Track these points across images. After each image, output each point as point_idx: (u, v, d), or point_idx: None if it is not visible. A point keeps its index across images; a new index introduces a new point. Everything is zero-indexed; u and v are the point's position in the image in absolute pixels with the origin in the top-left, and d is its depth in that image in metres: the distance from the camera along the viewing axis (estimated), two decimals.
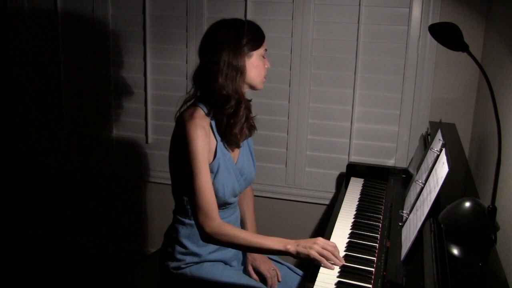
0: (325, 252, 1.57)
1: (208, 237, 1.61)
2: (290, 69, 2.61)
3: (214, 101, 1.69)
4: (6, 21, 3.01)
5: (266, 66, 1.76)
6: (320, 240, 1.60)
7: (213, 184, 1.67)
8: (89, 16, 2.86)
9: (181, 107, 1.76)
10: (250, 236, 1.62)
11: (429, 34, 1.78)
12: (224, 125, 1.71)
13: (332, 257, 1.57)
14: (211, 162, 1.68)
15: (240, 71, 1.67)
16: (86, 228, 3.19)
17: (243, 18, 1.77)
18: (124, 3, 2.80)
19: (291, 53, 2.59)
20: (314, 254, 1.55)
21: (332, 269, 1.57)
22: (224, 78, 1.66)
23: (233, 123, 1.70)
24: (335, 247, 1.60)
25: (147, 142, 2.91)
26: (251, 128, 1.83)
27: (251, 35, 1.69)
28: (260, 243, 1.59)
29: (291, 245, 1.57)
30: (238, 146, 1.78)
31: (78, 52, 2.93)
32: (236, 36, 1.67)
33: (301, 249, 1.56)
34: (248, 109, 1.75)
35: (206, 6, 2.67)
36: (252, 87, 1.76)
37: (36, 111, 3.09)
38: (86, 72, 2.94)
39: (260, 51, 1.72)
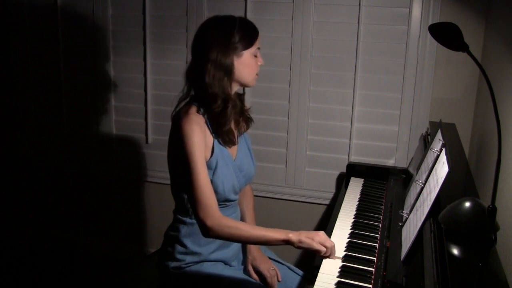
0: (326, 244, 1.58)
1: (210, 231, 1.60)
2: (290, 69, 2.61)
3: (203, 99, 1.69)
4: (6, 21, 3.01)
5: (259, 63, 1.74)
6: (322, 233, 1.61)
7: (213, 180, 1.67)
8: (89, 16, 2.86)
9: (176, 106, 1.75)
10: (251, 228, 1.63)
11: (429, 34, 1.78)
12: (215, 123, 1.70)
13: (333, 250, 1.60)
14: (209, 159, 1.68)
15: (228, 71, 1.66)
16: (86, 228, 3.19)
17: (237, 15, 1.74)
18: (124, 3, 2.80)
19: (291, 53, 2.59)
20: (318, 245, 1.57)
21: (334, 259, 1.60)
22: (211, 77, 1.65)
23: (222, 121, 1.69)
24: (334, 246, 1.62)
25: (147, 142, 2.91)
26: (248, 120, 1.84)
27: (241, 34, 1.66)
28: (262, 234, 1.59)
29: (293, 235, 1.58)
30: (234, 143, 1.76)
31: (78, 52, 2.93)
32: (225, 36, 1.65)
33: (304, 239, 1.57)
34: (235, 106, 1.72)
35: (206, 6, 2.67)
36: (244, 85, 1.76)
37: (36, 111, 3.09)
38: (86, 72, 2.94)
39: (252, 50, 1.69)
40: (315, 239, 1.58)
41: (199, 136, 1.63)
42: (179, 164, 1.66)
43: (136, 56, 2.83)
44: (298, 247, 1.58)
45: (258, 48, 1.72)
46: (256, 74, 1.74)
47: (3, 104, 3.16)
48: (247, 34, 1.68)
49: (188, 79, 1.73)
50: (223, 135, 1.71)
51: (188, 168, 1.61)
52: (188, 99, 1.74)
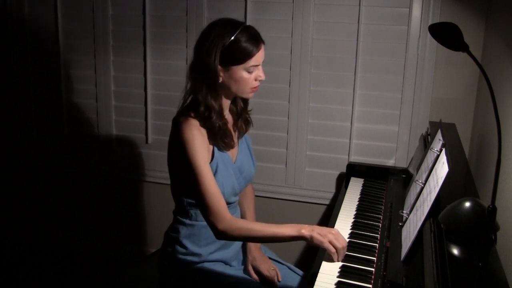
0: (337, 244, 1.56)
1: (223, 234, 1.60)
2: (290, 69, 2.61)
3: (192, 101, 1.68)
4: (6, 21, 3.01)
5: (258, 78, 1.65)
6: (336, 231, 1.58)
7: None
8: (89, 16, 2.86)
9: (183, 104, 1.72)
10: (263, 226, 1.61)
11: (429, 34, 1.78)
12: (205, 128, 1.66)
13: (341, 252, 1.58)
14: (210, 163, 1.67)
15: (209, 84, 1.61)
16: (86, 228, 3.19)
17: (241, 25, 1.64)
18: (124, 3, 2.80)
19: (291, 53, 2.59)
20: (327, 245, 1.55)
21: (338, 261, 1.58)
22: (194, 85, 1.64)
23: (210, 127, 1.65)
24: (344, 247, 1.59)
25: (147, 142, 2.91)
26: (247, 122, 1.82)
27: (233, 49, 1.59)
28: (274, 232, 1.58)
29: (305, 230, 1.56)
30: (231, 146, 1.74)
31: (78, 52, 2.93)
32: (214, 44, 1.58)
33: (316, 235, 1.55)
34: (220, 117, 1.66)
35: (206, 6, 2.67)
36: (237, 96, 1.73)
37: (36, 111, 3.09)
38: (86, 72, 2.94)
39: (244, 66, 1.61)
40: (327, 237, 1.55)
41: (200, 140, 1.62)
42: (181, 168, 1.66)
43: (136, 56, 2.83)
44: (310, 243, 1.57)
45: (256, 65, 1.63)
46: (253, 88, 1.66)
47: (3, 104, 3.15)
48: (241, 49, 1.59)
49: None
50: (217, 140, 1.68)
51: (193, 174, 1.60)
52: (189, 99, 1.72)
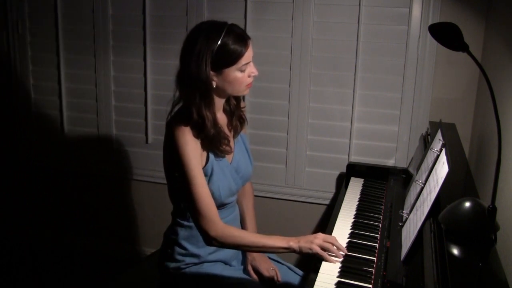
0: (326, 245, 1.61)
1: (213, 241, 1.61)
2: (290, 69, 2.61)
3: (185, 107, 1.65)
4: (6, 21, 3.01)
5: (252, 74, 1.65)
6: (320, 234, 1.64)
7: (208, 187, 1.65)
8: (89, 16, 2.86)
9: (171, 111, 1.71)
10: (253, 237, 1.64)
11: (429, 34, 1.78)
12: (200, 137, 1.64)
13: (334, 249, 1.61)
14: (204, 166, 1.66)
15: (203, 93, 1.59)
16: (85, 228, 3.19)
17: (224, 26, 1.59)
18: (124, 3, 2.80)
19: (291, 53, 2.59)
20: (316, 248, 1.59)
21: (334, 262, 1.59)
22: (185, 94, 1.63)
23: (204, 137, 1.64)
24: (335, 239, 1.64)
25: (147, 142, 2.91)
26: (242, 120, 1.81)
27: (222, 53, 1.57)
28: (264, 243, 1.61)
29: (293, 242, 1.60)
30: (228, 152, 1.73)
31: (78, 52, 2.93)
32: (204, 56, 1.56)
33: (303, 244, 1.59)
34: (215, 125, 1.64)
35: (206, 6, 2.67)
36: (232, 96, 1.73)
37: (36, 111, 3.09)
38: (86, 72, 2.94)
39: (236, 66, 1.60)
40: (314, 241, 1.60)
41: (193, 146, 1.61)
42: (175, 173, 1.66)
43: (136, 56, 2.83)
44: (301, 253, 1.61)
45: (248, 63, 1.62)
46: (248, 85, 1.66)
47: (3, 104, 3.15)
48: (230, 52, 1.58)
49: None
50: (213, 148, 1.67)
51: (185, 180, 1.60)
52: (181, 103, 1.69)
